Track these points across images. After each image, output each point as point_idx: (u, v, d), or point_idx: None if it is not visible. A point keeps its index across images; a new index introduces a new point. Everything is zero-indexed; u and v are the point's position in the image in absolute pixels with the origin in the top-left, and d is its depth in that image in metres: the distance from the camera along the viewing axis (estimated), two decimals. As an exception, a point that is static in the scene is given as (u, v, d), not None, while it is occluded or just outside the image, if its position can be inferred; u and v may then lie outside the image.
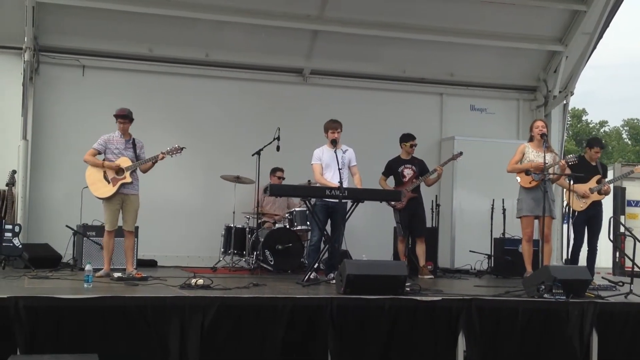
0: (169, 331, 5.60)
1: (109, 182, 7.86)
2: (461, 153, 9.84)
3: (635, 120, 58.63)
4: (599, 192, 8.96)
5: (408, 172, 9.67)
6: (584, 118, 55.72)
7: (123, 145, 8.00)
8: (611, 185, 9.17)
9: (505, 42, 11.76)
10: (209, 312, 5.71)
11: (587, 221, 8.97)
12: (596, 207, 9.02)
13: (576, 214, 8.97)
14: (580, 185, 8.85)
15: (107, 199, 7.88)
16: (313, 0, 10.84)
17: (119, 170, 7.87)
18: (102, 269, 7.81)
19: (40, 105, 10.41)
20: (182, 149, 8.13)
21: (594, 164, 9.10)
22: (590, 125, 56.18)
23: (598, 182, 8.98)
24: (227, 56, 11.16)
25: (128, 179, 7.87)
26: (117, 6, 10.20)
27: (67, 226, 9.19)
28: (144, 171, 8.13)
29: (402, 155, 9.77)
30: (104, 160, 7.96)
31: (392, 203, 9.36)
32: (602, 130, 57.54)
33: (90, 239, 8.99)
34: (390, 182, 9.73)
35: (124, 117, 7.99)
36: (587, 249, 9.18)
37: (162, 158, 7.99)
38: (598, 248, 9.23)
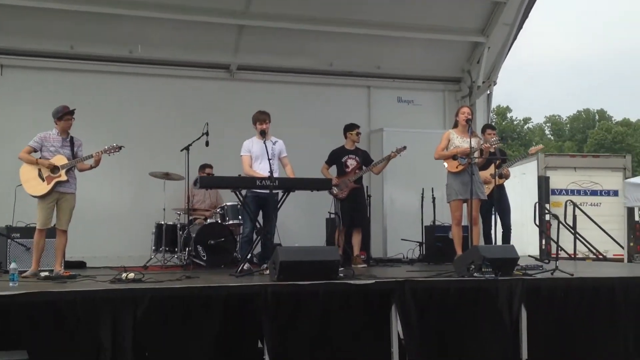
0: (99, 325, 5.52)
1: (43, 180, 7.65)
2: (405, 147, 9.72)
3: (557, 117, 60.60)
4: (499, 177, 9.32)
5: (351, 163, 9.71)
6: (508, 115, 57.30)
7: (60, 143, 7.78)
8: (510, 169, 9.69)
9: (429, 34, 11.91)
10: (141, 304, 5.66)
11: (494, 205, 9.18)
12: (500, 190, 9.49)
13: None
14: (481, 173, 9.07)
15: (42, 197, 7.67)
16: (238, -5, 10.79)
17: (54, 168, 7.67)
18: (29, 270, 7.60)
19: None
20: (120, 147, 7.93)
21: (492, 150, 9.38)
22: (515, 122, 57.82)
23: (497, 166, 9.26)
24: (152, 53, 10.95)
25: (63, 177, 7.67)
26: (37, 3, 9.91)
27: (-11, 229, 8.90)
28: (81, 170, 7.94)
29: (347, 145, 9.80)
30: (39, 158, 7.75)
31: (334, 192, 9.39)
32: (525, 126, 59.28)
33: (15, 240, 8.71)
34: (333, 171, 9.75)
35: (72, 113, 7.76)
36: (501, 230, 9.47)
37: (99, 157, 7.80)
38: (526, 237, 9.55)
